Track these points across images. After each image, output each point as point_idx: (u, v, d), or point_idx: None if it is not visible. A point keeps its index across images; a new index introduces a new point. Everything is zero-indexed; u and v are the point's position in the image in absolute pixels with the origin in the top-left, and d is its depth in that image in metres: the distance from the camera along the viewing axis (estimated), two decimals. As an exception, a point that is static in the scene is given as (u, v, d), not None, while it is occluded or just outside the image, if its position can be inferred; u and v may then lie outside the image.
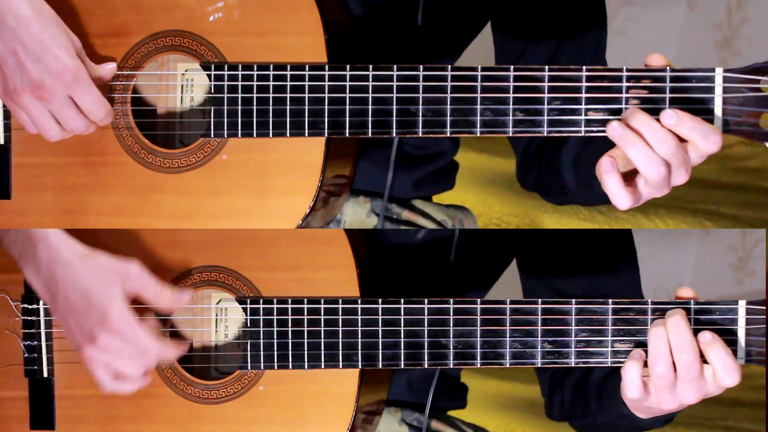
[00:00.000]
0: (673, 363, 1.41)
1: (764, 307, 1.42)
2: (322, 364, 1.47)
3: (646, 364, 1.43)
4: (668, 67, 1.40)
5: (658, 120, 1.39)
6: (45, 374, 1.54)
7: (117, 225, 1.52)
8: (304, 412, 1.50)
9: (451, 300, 1.46)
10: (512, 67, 1.42)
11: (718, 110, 1.39)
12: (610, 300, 1.44)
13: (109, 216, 1.52)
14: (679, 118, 1.38)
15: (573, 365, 1.45)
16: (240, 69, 1.47)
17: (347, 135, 1.46)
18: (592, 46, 1.66)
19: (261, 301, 1.48)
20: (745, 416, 2.89)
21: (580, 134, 1.42)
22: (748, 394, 3.00)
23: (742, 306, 1.42)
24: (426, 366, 1.46)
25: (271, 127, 1.48)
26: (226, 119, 1.48)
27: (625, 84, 1.40)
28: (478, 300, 1.46)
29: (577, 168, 1.59)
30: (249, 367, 1.49)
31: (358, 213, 1.66)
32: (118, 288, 1.45)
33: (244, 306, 1.49)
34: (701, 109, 1.39)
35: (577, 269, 1.64)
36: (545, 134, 1.42)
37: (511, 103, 1.43)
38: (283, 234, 1.51)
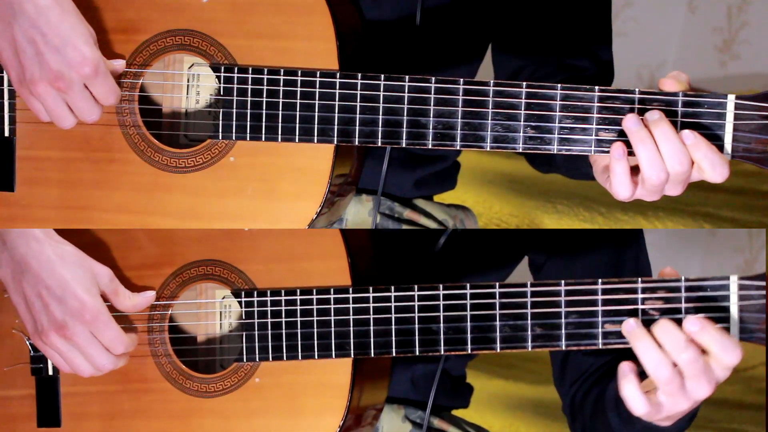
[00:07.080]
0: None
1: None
2: (316, 354, 1.48)
3: (642, 377, 1.41)
4: (680, 92, 1.40)
5: (679, 140, 1.38)
6: (50, 372, 1.55)
7: (121, 222, 1.52)
8: (300, 402, 1.50)
9: (441, 286, 1.45)
10: (524, 83, 1.42)
11: (728, 136, 1.39)
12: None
13: (114, 213, 1.52)
14: (696, 142, 1.39)
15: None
16: (250, 72, 1.47)
17: (356, 144, 1.46)
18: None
19: (255, 294, 1.49)
20: (749, 419, 2.89)
21: (590, 153, 1.42)
22: (753, 397, 3.00)
23: (734, 282, 1.39)
24: (417, 353, 1.46)
25: (280, 132, 1.47)
26: (235, 122, 1.48)
27: (637, 106, 1.40)
28: (467, 285, 1.45)
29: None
30: (245, 360, 1.50)
31: (360, 212, 1.67)
32: (95, 285, 1.47)
33: (239, 299, 1.49)
34: (711, 135, 1.39)
35: None
36: (554, 152, 1.42)
37: (522, 120, 1.42)
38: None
